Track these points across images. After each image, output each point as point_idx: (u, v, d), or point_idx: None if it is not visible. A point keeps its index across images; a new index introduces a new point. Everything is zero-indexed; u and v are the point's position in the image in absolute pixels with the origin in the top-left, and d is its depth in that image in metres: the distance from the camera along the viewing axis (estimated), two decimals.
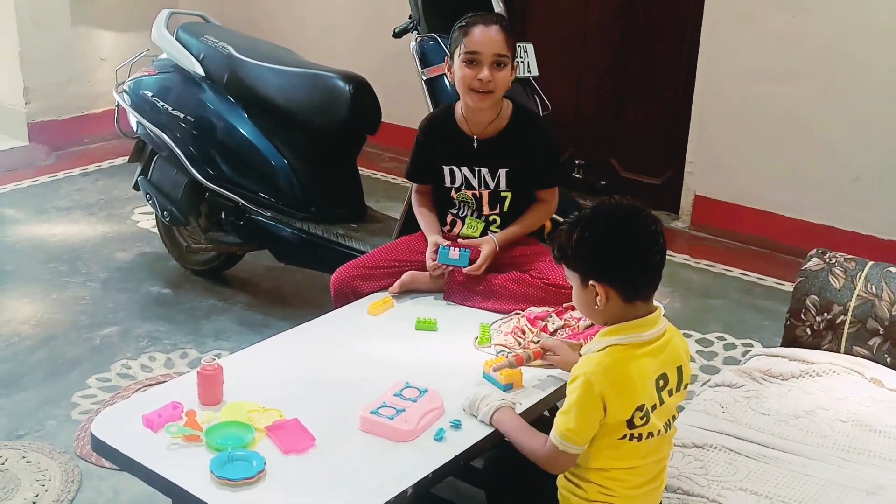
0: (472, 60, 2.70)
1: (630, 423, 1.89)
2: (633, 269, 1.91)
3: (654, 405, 1.90)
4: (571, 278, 1.98)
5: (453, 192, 2.88)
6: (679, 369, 1.96)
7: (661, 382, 1.92)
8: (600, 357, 1.90)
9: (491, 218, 2.86)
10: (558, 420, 1.93)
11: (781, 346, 2.85)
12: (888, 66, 4.25)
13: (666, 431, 1.96)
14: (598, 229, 1.92)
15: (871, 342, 2.69)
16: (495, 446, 2.14)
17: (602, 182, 5.21)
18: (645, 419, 1.89)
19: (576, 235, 1.93)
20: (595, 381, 1.87)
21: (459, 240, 2.83)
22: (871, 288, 2.70)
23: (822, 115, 4.46)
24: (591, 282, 1.92)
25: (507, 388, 2.24)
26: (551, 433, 1.94)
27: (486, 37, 2.70)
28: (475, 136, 2.82)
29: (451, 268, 2.73)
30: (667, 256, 1.96)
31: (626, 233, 1.91)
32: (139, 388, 3.30)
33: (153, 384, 3.29)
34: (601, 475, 1.94)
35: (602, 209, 1.97)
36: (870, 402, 2.50)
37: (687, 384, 2.00)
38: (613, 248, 1.91)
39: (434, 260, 2.74)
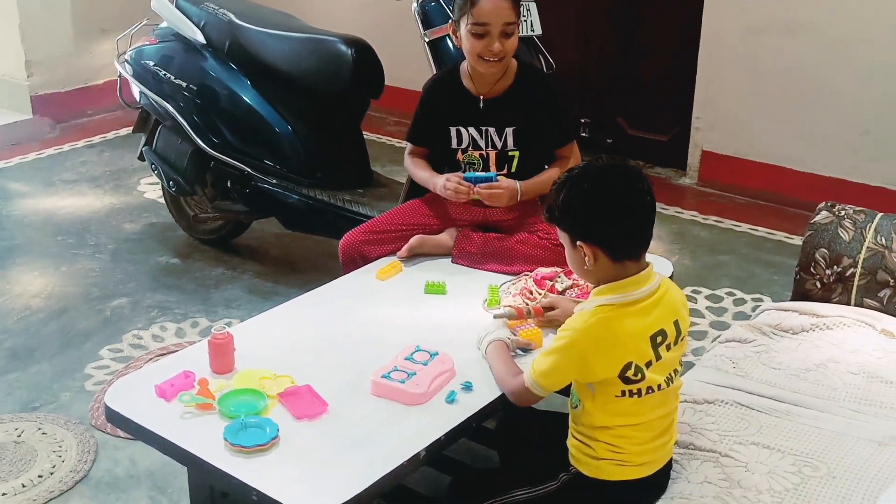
0: (481, 33, 2.67)
1: (625, 380, 1.90)
2: (618, 229, 1.91)
3: (649, 361, 1.91)
4: (563, 238, 1.99)
5: (459, 154, 2.86)
6: (676, 323, 1.96)
7: (659, 338, 1.92)
8: (587, 316, 1.91)
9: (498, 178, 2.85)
10: (535, 361, 1.99)
11: (791, 300, 2.84)
12: None
13: (668, 386, 1.96)
14: (583, 190, 1.92)
15: (881, 294, 2.69)
16: (507, 407, 2.15)
17: (609, 140, 5.17)
18: (639, 376, 1.90)
19: (562, 196, 1.94)
20: (578, 339, 1.91)
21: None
22: (881, 239, 2.69)
23: (830, 67, 4.42)
24: (578, 242, 1.93)
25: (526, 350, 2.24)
26: (526, 370, 2.01)
27: (493, 6, 2.65)
28: (481, 96, 2.80)
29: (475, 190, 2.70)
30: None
31: (610, 193, 1.91)
32: (151, 358, 3.32)
33: (165, 354, 3.31)
34: (608, 433, 1.95)
35: (589, 169, 1.97)
36: (881, 353, 2.50)
37: (684, 336, 2.00)
38: (598, 209, 1.91)
39: (460, 185, 2.71)
